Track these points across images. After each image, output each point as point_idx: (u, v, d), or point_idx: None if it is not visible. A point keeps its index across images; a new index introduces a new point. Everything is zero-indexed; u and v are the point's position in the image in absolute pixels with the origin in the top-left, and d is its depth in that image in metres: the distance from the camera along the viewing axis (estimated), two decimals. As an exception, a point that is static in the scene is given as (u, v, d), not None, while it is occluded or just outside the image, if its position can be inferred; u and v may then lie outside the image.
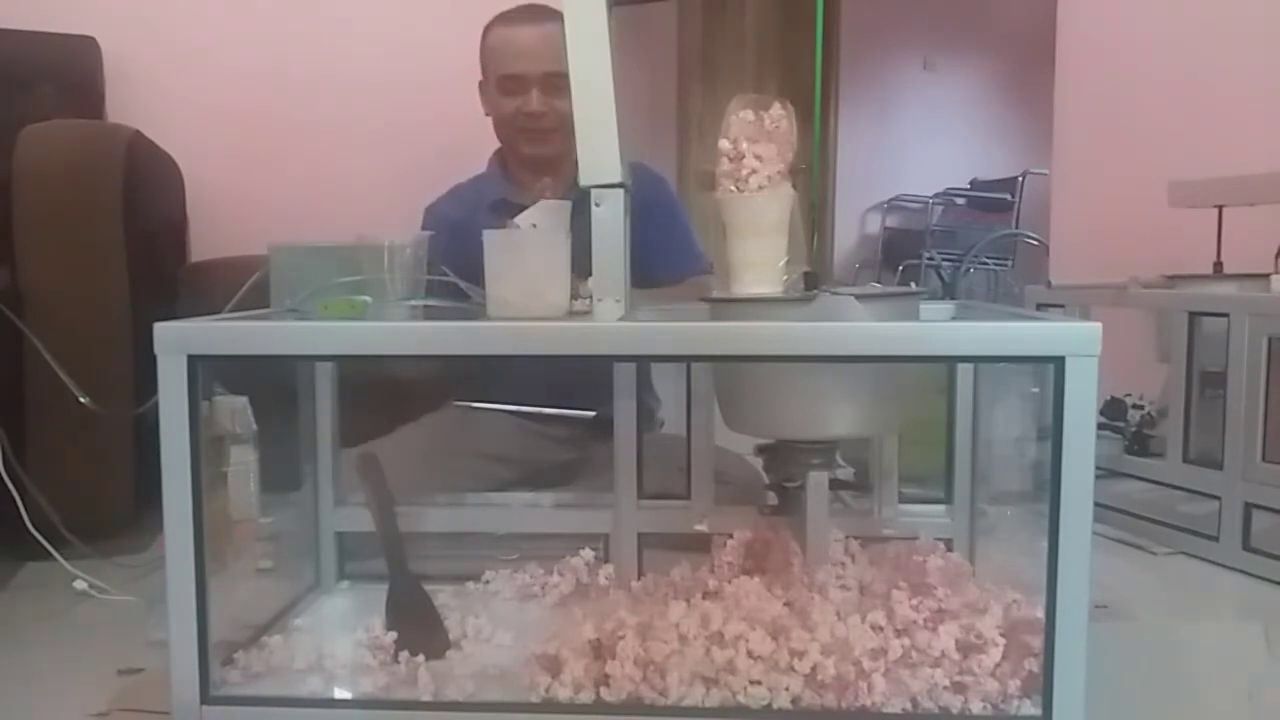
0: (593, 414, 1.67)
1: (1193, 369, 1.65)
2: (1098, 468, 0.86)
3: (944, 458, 1.27)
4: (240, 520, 1.13)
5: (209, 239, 2.13)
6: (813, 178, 4.97)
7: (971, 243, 5.25)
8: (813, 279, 0.98)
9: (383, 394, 1.53)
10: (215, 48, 2.25)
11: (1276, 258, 1.71)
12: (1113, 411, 1.92)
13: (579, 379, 1.46)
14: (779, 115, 1.00)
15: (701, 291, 1.10)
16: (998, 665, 0.96)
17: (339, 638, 1.12)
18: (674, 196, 1.86)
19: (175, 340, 0.92)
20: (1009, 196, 5.27)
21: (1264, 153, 2.13)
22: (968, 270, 5.24)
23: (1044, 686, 0.88)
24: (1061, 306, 1.86)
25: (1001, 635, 0.98)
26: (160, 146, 1.85)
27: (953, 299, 1.52)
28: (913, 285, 4.92)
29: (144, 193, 1.69)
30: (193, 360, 0.91)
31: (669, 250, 1.69)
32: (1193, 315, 1.65)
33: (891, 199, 5.47)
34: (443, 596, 1.21)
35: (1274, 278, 1.60)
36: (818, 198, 5.14)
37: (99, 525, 1.51)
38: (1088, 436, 0.85)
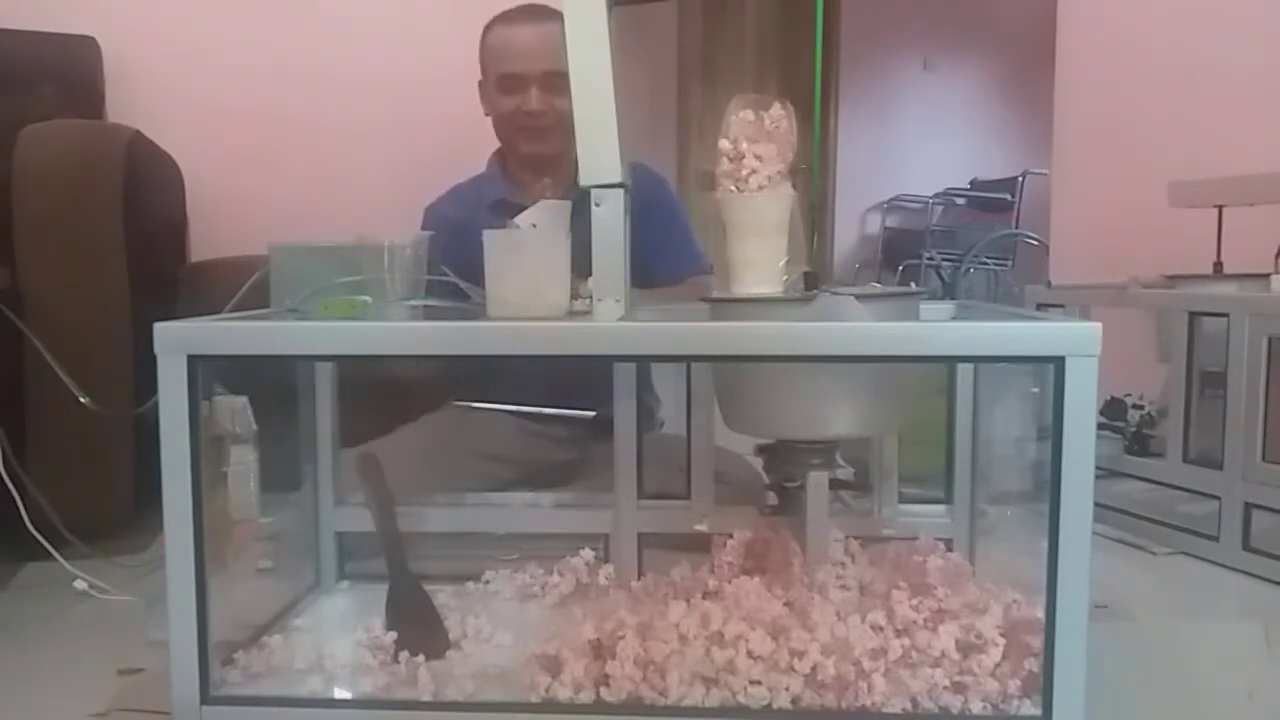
0: (593, 414, 1.67)
1: (1193, 369, 1.65)
2: (1098, 468, 0.86)
3: (944, 458, 1.27)
4: (240, 520, 1.13)
5: (209, 239, 2.13)
6: (813, 178, 4.97)
7: (971, 243, 5.25)
8: (813, 279, 0.98)
9: (383, 394, 1.53)
10: (215, 48, 2.25)
11: (1276, 258, 1.71)
12: (1113, 411, 1.92)
13: (579, 379, 1.46)
14: (779, 115, 1.00)
15: (701, 291, 1.10)
16: (998, 665, 0.96)
17: (339, 638, 1.12)
18: (674, 196, 1.87)
19: (175, 340, 0.92)
20: (1009, 196, 5.27)
21: (1264, 153, 2.13)
22: (968, 270, 5.24)
23: (1044, 686, 0.88)
24: (1061, 306, 1.86)
25: (1001, 635, 0.98)
26: (160, 146, 1.85)
27: (953, 299, 1.52)
28: (913, 285, 4.92)
29: (144, 193, 1.69)
30: (193, 360, 0.91)
31: (669, 250, 1.69)
32: (1193, 315, 1.65)
33: (891, 199, 5.47)
34: (443, 596, 1.21)
35: (1274, 278, 1.60)
36: (818, 198, 5.14)
37: (99, 525, 1.51)
38: (1088, 436, 0.85)
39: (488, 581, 1.28)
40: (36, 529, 1.40)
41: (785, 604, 1.04)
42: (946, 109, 5.39)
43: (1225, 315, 1.56)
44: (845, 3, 5.03)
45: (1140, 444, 1.82)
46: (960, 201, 5.47)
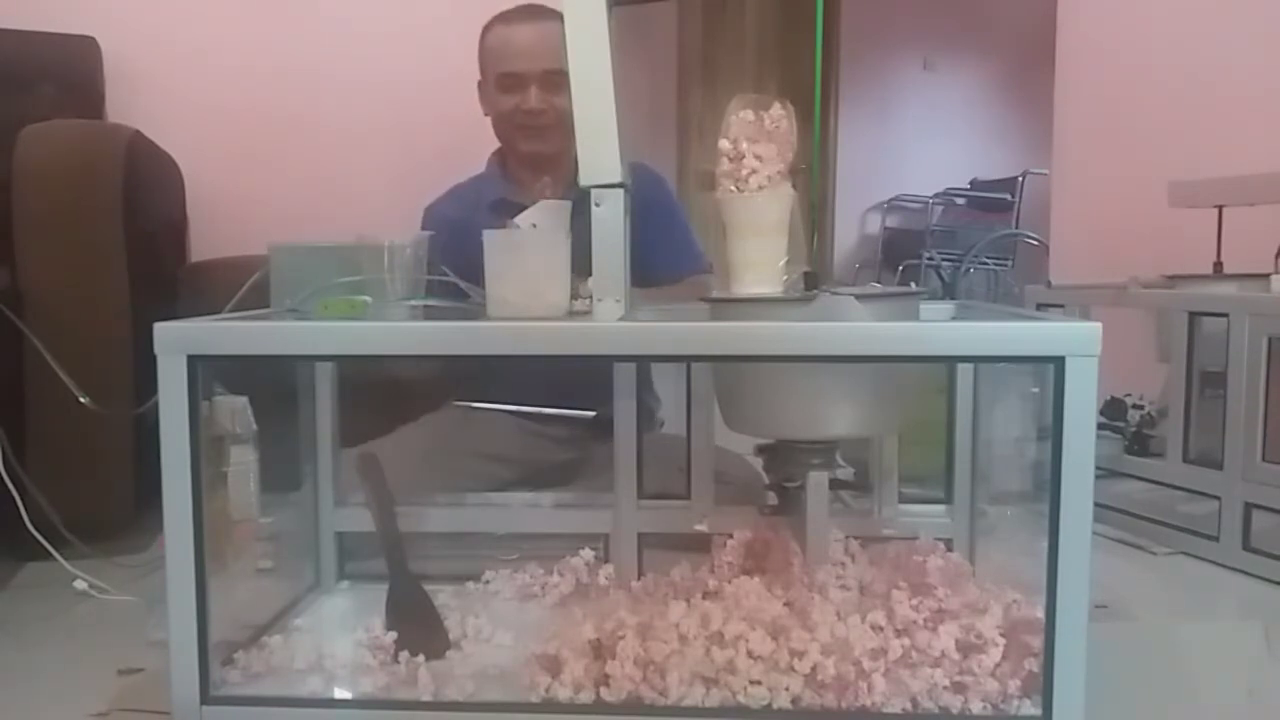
0: (593, 414, 1.67)
1: (1193, 369, 1.65)
2: (1098, 468, 0.86)
3: (944, 458, 1.27)
4: (240, 520, 1.13)
5: (209, 239, 2.13)
6: (813, 178, 4.97)
7: (971, 243, 5.25)
8: (813, 279, 0.98)
9: (383, 394, 1.53)
10: (215, 48, 2.25)
11: (1276, 258, 1.71)
12: (1113, 411, 1.92)
13: (579, 379, 1.46)
14: (779, 115, 1.00)
15: (701, 291, 1.10)
16: (998, 665, 0.96)
17: (339, 638, 1.12)
18: (673, 196, 1.87)
19: (175, 340, 0.92)
20: (1009, 196, 5.27)
21: (1264, 153, 2.13)
22: (968, 270, 5.24)
23: (1044, 686, 0.88)
24: (1061, 306, 1.86)
25: (1001, 635, 0.98)
26: (160, 146, 1.85)
27: (953, 299, 1.52)
28: (913, 285, 4.92)
29: (144, 193, 1.69)
30: (193, 360, 0.91)
31: (669, 250, 1.69)
32: (1193, 315, 1.65)
33: (891, 199, 5.47)
34: (443, 596, 1.21)
35: (1274, 278, 1.60)
36: (818, 198, 5.14)
37: (99, 525, 1.51)
38: (1088, 436, 0.85)
39: (488, 581, 1.28)
40: (36, 529, 1.40)
41: (785, 604, 1.04)
42: (946, 109, 5.39)
43: (1225, 315, 1.56)
44: (845, 3, 5.03)
45: (1140, 444, 1.82)
46: (960, 201, 5.47)
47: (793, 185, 1.00)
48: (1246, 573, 1.52)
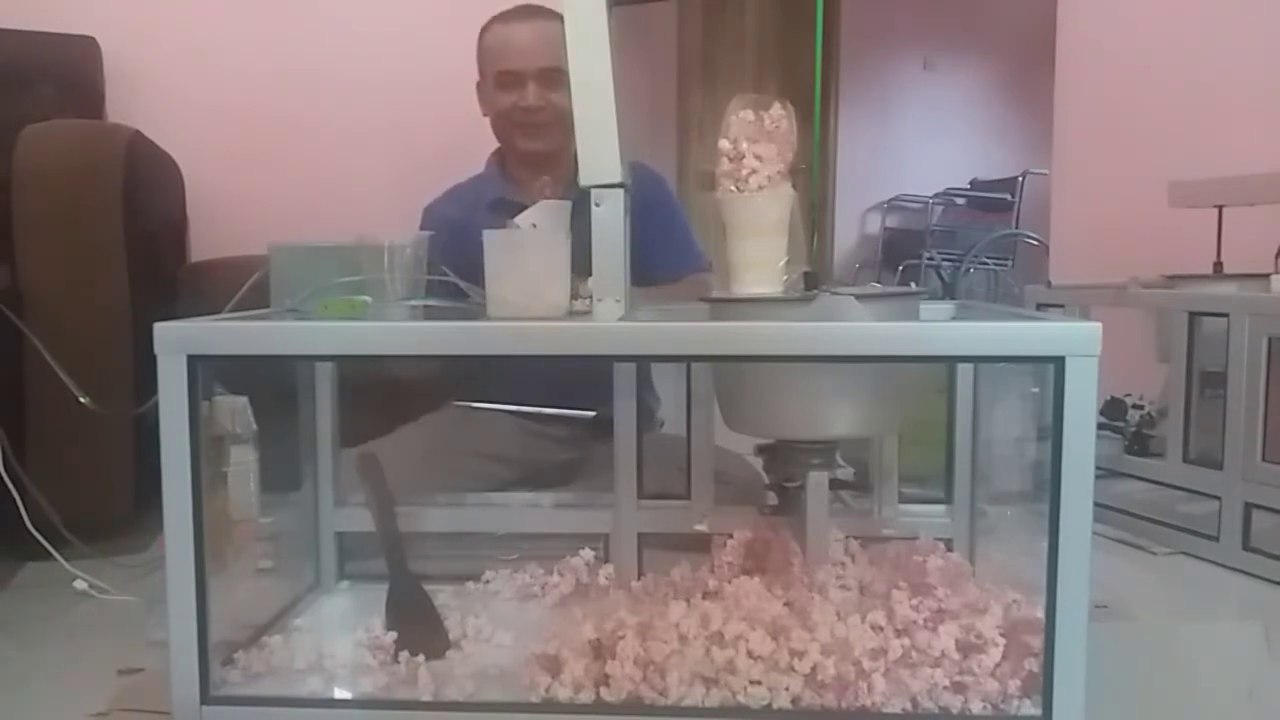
0: (593, 414, 1.67)
1: (1193, 369, 1.65)
2: (1098, 468, 0.86)
3: (944, 458, 1.27)
4: (240, 520, 1.13)
5: (209, 239, 2.14)
6: (813, 178, 4.96)
7: (971, 243, 5.25)
8: (813, 279, 0.98)
9: (383, 394, 1.53)
10: (215, 48, 2.25)
11: (1276, 258, 1.71)
12: (1113, 411, 1.92)
13: (579, 379, 1.46)
14: (779, 115, 1.00)
15: (701, 290, 1.10)
16: (998, 665, 0.96)
17: (339, 638, 1.12)
18: (673, 196, 1.87)
19: (175, 340, 0.92)
20: (1009, 196, 5.27)
21: (1264, 153, 2.13)
22: (968, 270, 5.24)
23: (1044, 686, 0.88)
24: (1061, 306, 1.86)
25: (1001, 635, 0.98)
26: (160, 146, 1.85)
27: (953, 299, 1.52)
28: (913, 285, 4.92)
29: (144, 193, 1.69)
30: (193, 360, 0.91)
31: (668, 249, 1.69)
32: (1193, 315, 1.65)
33: (891, 199, 5.47)
34: (443, 596, 1.21)
35: (1274, 278, 1.60)
36: (818, 198, 5.14)
37: (99, 525, 1.51)
38: (1088, 436, 0.85)
39: (488, 581, 1.28)
40: (36, 529, 1.40)
41: (785, 604, 1.04)
42: (946, 109, 5.38)
43: (1225, 315, 1.56)
44: (845, 3, 5.02)
45: (1140, 444, 1.82)
46: (960, 201, 5.46)
47: (793, 185, 1.00)
48: (1246, 573, 1.52)
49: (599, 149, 0.94)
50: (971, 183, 5.46)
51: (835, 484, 1.03)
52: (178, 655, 0.94)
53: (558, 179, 1.49)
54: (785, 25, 5.06)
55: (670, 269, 1.64)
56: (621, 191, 0.94)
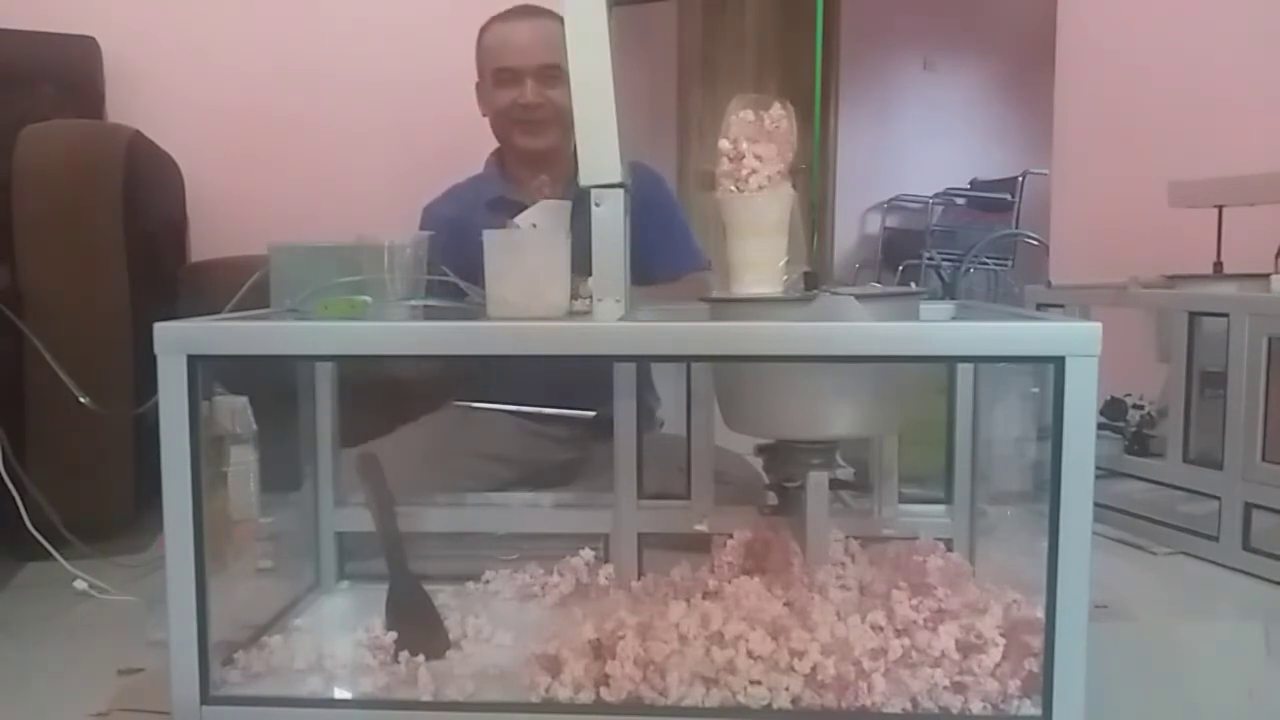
0: (593, 414, 1.67)
1: (1193, 369, 1.65)
2: (1098, 468, 0.86)
3: (944, 458, 1.27)
4: (240, 520, 1.13)
5: (209, 239, 2.14)
6: (813, 178, 4.96)
7: (971, 243, 5.25)
8: (813, 279, 0.98)
9: (383, 394, 1.53)
10: (215, 48, 2.25)
11: (1276, 258, 1.71)
12: (1113, 411, 1.92)
13: (579, 379, 1.46)
14: (779, 115, 1.00)
15: (700, 290, 1.10)
16: (998, 665, 0.96)
17: (339, 638, 1.12)
18: (673, 195, 1.87)
19: (175, 340, 0.92)
20: (1009, 196, 5.27)
21: (1264, 153, 2.13)
22: (968, 270, 5.24)
23: (1044, 686, 0.88)
24: (1061, 306, 1.86)
25: (1001, 635, 0.98)
26: (160, 146, 1.85)
27: (953, 299, 1.52)
28: (913, 285, 4.92)
29: (144, 193, 1.69)
30: (193, 360, 0.91)
31: (668, 248, 1.70)
32: (1193, 315, 1.65)
33: (891, 199, 5.47)
34: (443, 596, 1.21)
35: (1274, 278, 1.60)
36: (818, 198, 5.14)
37: (99, 525, 1.51)
38: (1088, 436, 0.85)
39: (488, 581, 1.28)
40: (36, 529, 1.40)
41: (785, 604, 1.04)
42: (946, 109, 5.38)
43: (1225, 315, 1.56)
44: (845, 3, 5.02)
45: (1140, 444, 1.82)
46: (960, 201, 5.46)
47: (793, 185, 1.00)
48: (1246, 573, 1.52)
49: (599, 149, 0.94)
50: (971, 183, 5.45)
51: (835, 484, 1.03)
52: (178, 655, 0.94)
53: (556, 177, 1.50)
54: (785, 25, 5.06)
55: (670, 268, 1.64)
56: (621, 191, 0.94)
